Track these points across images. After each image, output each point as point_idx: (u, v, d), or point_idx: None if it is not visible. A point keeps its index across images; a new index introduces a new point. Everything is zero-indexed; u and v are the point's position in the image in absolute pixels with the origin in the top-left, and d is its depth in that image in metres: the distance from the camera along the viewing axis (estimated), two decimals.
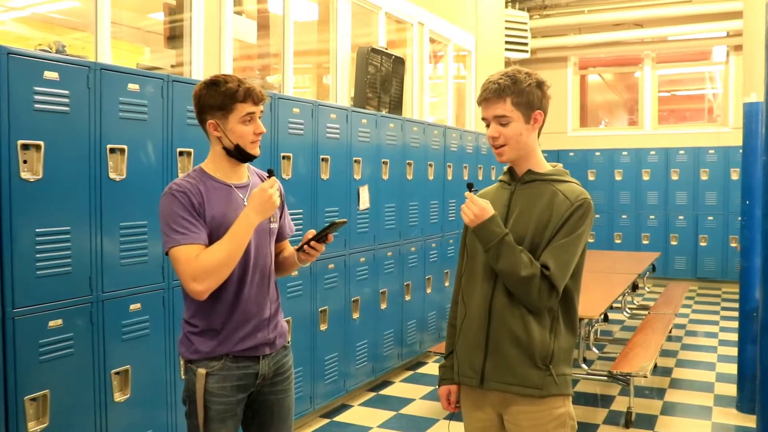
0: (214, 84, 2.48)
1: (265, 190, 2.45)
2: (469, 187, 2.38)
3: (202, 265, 2.36)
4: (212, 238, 2.45)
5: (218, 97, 2.46)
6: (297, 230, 4.63)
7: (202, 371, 2.49)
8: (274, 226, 2.69)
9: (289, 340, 2.80)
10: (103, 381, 3.29)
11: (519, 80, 2.31)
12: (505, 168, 2.51)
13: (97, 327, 3.29)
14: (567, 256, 2.28)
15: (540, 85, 2.35)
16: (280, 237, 2.81)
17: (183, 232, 2.39)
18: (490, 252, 2.30)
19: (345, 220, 2.64)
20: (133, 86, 3.44)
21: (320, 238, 2.62)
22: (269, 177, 2.52)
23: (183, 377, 2.57)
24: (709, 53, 12.06)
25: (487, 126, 2.39)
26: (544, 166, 2.43)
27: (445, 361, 2.63)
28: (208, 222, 2.46)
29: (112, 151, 3.33)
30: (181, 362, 3.66)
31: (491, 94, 2.32)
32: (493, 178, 8.31)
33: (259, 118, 2.54)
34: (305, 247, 2.64)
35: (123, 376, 3.40)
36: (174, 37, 5.10)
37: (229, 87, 2.45)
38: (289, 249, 2.82)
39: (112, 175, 3.32)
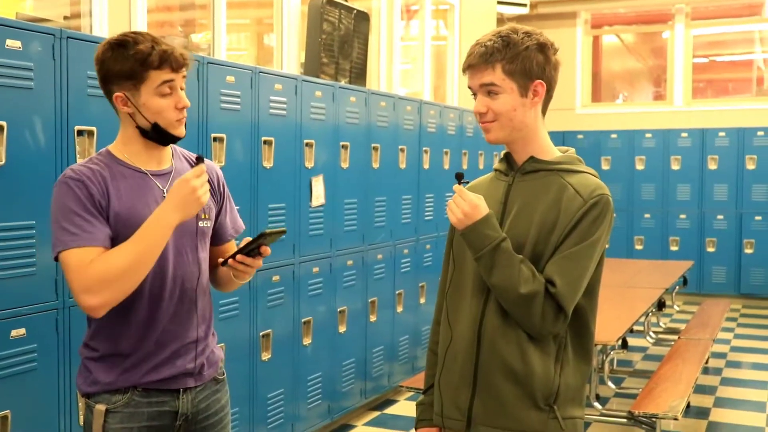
0: (120, 45, 2.45)
1: (187, 181, 2.42)
2: (458, 178, 2.38)
3: (98, 272, 2.33)
4: (118, 241, 2.42)
5: (126, 63, 2.42)
6: None
7: (100, 408, 2.48)
8: (206, 224, 2.66)
9: (224, 372, 2.78)
10: None
11: (513, 42, 2.32)
12: (501, 154, 2.51)
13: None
14: (578, 268, 2.28)
15: (542, 47, 2.35)
16: (220, 238, 2.79)
17: (75, 232, 2.36)
18: (482, 261, 2.29)
19: (283, 229, 2.58)
20: (12, 43, 3.37)
21: (250, 251, 2.57)
22: (197, 164, 2.49)
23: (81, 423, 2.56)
24: (760, 7, 12.18)
25: (474, 97, 2.40)
26: (551, 152, 2.43)
27: (423, 397, 2.63)
28: (111, 219, 2.43)
29: None
30: (80, 404, 3.63)
31: (477, 59, 2.34)
32: (482, 167, 8.34)
33: (182, 88, 2.52)
34: (230, 261, 2.59)
35: (0, 425, 3.34)
36: None
37: (140, 50, 2.42)
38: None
39: None
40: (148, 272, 2.42)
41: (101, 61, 2.47)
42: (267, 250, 2.58)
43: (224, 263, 2.62)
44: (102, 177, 2.44)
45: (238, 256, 2.56)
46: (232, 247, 2.83)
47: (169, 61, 2.44)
